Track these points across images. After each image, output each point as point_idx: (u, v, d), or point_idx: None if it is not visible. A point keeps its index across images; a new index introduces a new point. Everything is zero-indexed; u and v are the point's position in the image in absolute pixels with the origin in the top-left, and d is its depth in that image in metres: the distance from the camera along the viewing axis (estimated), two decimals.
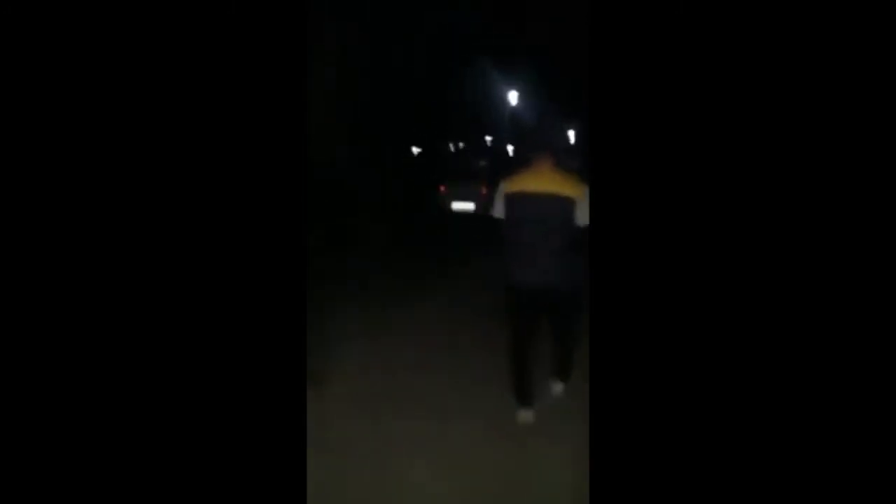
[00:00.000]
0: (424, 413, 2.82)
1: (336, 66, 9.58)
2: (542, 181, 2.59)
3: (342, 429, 2.63)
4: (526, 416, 2.76)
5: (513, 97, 20.87)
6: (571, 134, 14.46)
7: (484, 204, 9.00)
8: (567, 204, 2.53)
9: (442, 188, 10.68)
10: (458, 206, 10.36)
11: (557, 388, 3.02)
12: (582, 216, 2.55)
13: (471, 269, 6.00)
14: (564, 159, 2.84)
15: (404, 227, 8.64)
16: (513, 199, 2.63)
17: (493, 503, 2.20)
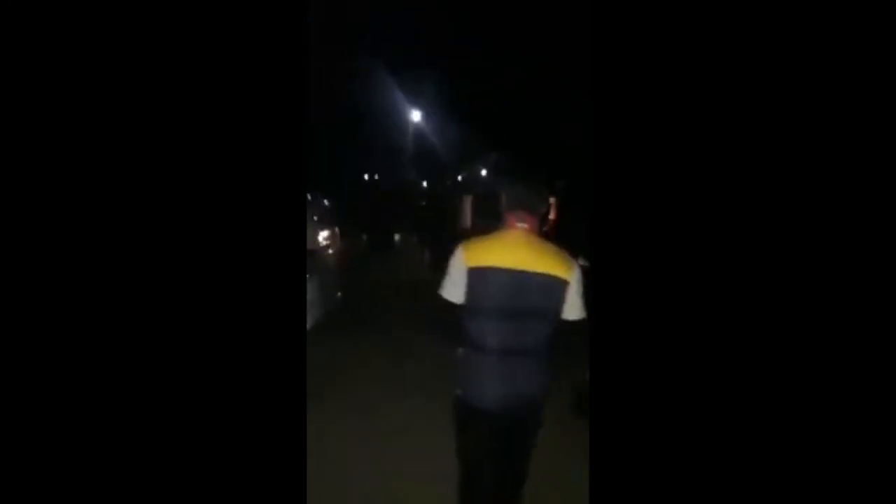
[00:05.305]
0: None
1: None
2: (521, 253, 1.79)
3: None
4: None
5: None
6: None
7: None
8: (557, 288, 1.78)
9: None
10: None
11: None
12: (572, 308, 1.81)
13: None
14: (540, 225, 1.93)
15: None
16: (482, 275, 1.79)
17: None
